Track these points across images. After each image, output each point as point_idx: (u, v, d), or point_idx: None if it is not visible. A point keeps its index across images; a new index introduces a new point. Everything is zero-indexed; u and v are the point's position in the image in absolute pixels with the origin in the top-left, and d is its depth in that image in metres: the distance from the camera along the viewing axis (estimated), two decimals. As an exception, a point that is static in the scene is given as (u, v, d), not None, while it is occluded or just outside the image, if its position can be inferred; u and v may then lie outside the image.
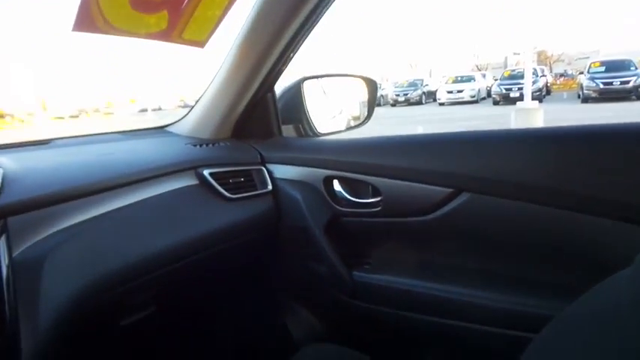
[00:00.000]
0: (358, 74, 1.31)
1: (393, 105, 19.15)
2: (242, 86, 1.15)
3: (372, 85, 1.31)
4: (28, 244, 0.77)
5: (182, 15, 0.98)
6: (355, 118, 1.33)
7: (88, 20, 0.90)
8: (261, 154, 1.18)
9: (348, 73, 1.31)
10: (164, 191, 1.00)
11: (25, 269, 0.74)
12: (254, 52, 1.07)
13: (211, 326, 1.37)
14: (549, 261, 0.84)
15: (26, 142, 1.14)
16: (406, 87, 20.22)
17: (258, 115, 1.23)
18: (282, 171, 1.16)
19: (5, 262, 0.72)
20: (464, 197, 0.88)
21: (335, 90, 1.34)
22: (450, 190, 0.90)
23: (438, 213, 0.92)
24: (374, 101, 1.31)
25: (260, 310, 1.36)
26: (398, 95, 19.53)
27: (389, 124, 11.05)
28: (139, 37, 1.00)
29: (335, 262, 1.04)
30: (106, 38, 1.09)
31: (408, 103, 19.21)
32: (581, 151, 0.79)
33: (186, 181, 1.05)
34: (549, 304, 0.79)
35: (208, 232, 1.03)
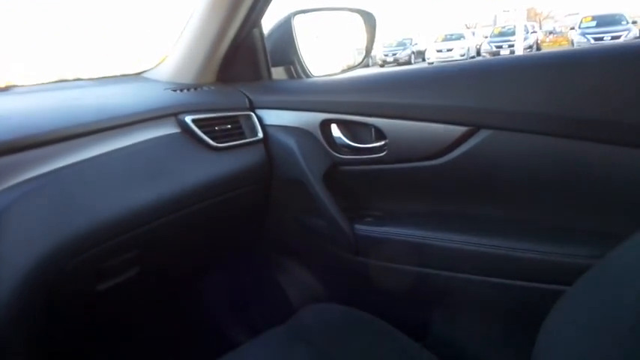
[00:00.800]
0: (355, 8, 1.17)
1: (382, 66, 18.73)
2: (224, 21, 1.01)
3: (370, 20, 1.17)
4: None
5: None
6: (353, 56, 1.20)
7: None
8: (249, 99, 1.06)
9: (344, 6, 1.17)
10: (142, 139, 0.88)
11: None
12: None
13: (200, 287, 1.28)
14: (583, 205, 0.75)
15: None
16: (395, 47, 19.72)
17: (244, 55, 1.10)
18: (274, 116, 1.03)
19: None
20: (482, 135, 0.78)
21: (329, 27, 1.20)
22: (466, 128, 0.79)
23: (452, 155, 0.82)
24: (373, 38, 1.18)
25: (252, 269, 1.27)
26: (387, 55, 19.06)
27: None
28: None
29: (335, 216, 0.94)
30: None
31: (397, 63, 18.79)
32: (616, 73, 0.68)
33: (166, 129, 0.93)
34: (583, 252, 0.70)
35: (194, 184, 0.91)
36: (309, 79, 1.13)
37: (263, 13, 1.05)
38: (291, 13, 1.11)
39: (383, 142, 0.90)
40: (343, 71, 1.21)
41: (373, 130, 0.91)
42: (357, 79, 0.96)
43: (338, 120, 0.95)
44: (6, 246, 0.65)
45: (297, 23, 1.12)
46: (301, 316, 0.86)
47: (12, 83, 1.09)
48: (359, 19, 1.17)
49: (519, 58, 0.79)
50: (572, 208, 0.76)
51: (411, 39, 20.60)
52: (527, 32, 15.11)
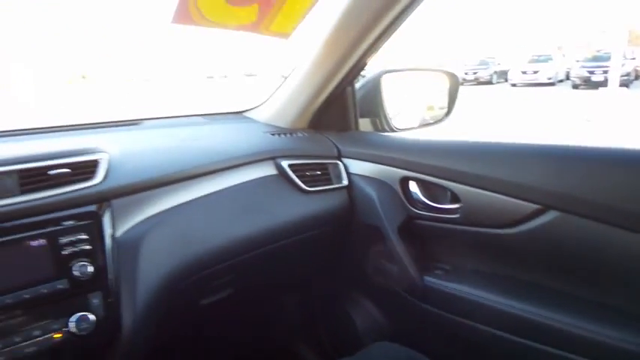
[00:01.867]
0: (439, 68, 1.26)
1: (460, 84, 18.31)
2: (324, 79, 1.15)
3: (453, 80, 1.26)
4: (128, 226, 0.84)
5: (271, 8, 0.99)
6: (434, 114, 1.30)
7: (185, 14, 0.93)
8: (337, 148, 1.19)
9: (429, 67, 1.27)
10: (245, 180, 1.04)
11: (125, 249, 0.81)
12: (340, 47, 1.07)
13: (280, 309, 1.43)
14: None
15: (120, 122, 1.22)
16: (476, 65, 19.18)
17: (336, 107, 1.23)
18: (358, 166, 1.16)
19: (110, 242, 0.79)
20: (551, 215, 0.84)
21: (414, 84, 1.31)
22: (536, 206, 0.86)
23: (521, 228, 0.88)
24: (455, 97, 1.26)
25: (327, 300, 1.39)
26: (467, 74, 18.59)
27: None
28: (228, 28, 1.03)
29: (406, 264, 1.04)
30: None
31: (477, 82, 18.28)
32: None
33: (266, 170, 1.08)
34: (637, 339, 0.74)
35: (285, 222, 1.06)
36: (394, 135, 1.24)
37: (358, 75, 1.18)
38: (381, 72, 1.23)
39: (457, 205, 0.98)
40: (427, 124, 1.31)
41: (449, 192, 1.00)
42: (438, 143, 1.05)
43: (417, 178, 1.05)
44: (141, 268, 0.82)
45: (385, 80, 1.23)
46: (370, 352, 0.97)
47: (142, 117, 1.31)
48: (443, 78, 1.26)
49: (593, 150, 0.84)
50: (630, 294, 0.80)
51: (494, 57, 19.92)
52: (626, 58, 14.03)
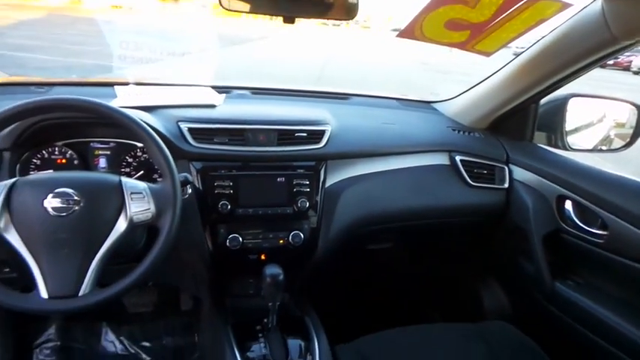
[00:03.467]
0: (629, 100, 1.30)
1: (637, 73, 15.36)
2: (516, 92, 1.31)
3: (641, 113, 1.29)
4: (334, 180, 1.20)
5: (482, 34, 1.20)
6: (613, 142, 1.35)
7: (410, 32, 1.20)
8: (507, 154, 1.37)
9: (619, 98, 1.32)
10: (422, 164, 1.32)
11: (329, 196, 1.18)
12: (541, 70, 1.20)
13: (417, 275, 1.73)
14: None
15: (334, 94, 1.59)
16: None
17: (517, 118, 1.39)
18: (522, 175, 1.33)
19: (321, 189, 1.16)
20: None
21: (598, 109, 1.37)
22: None
23: None
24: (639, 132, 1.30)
25: (462, 277, 1.64)
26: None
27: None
28: (440, 44, 1.27)
29: (542, 267, 1.22)
30: None
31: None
32: None
33: (440, 159, 1.34)
34: None
35: (446, 206, 1.32)
36: (561, 155, 1.34)
37: (546, 95, 1.31)
38: (569, 95, 1.33)
39: (605, 233, 1.11)
40: (601, 149, 1.37)
41: (600, 220, 1.12)
42: (600, 172, 1.16)
43: (573, 198, 1.19)
44: (338, 212, 1.19)
45: (572, 103, 1.33)
46: (489, 326, 1.21)
47: (350, 92, 1.65)
48: (631, 111, 1.30)
49: None
50: None
51: None
52: None
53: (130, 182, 0.87)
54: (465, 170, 1.33)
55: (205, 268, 1.16)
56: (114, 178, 0.87)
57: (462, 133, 1.43)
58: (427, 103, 1.67)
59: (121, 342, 1.53)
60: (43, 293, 0.76)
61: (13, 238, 0.77)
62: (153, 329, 1.59)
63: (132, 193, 0.85)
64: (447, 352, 1.11)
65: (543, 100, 1.38)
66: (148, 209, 0.85)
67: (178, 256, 1.13)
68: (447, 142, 1.38)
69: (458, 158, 1.34)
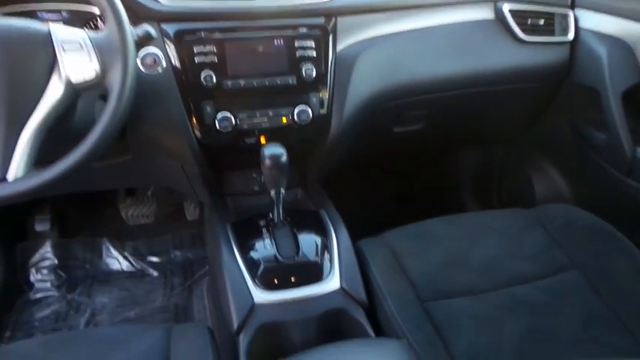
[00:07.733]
0: None
1: None
2: None
3: None
4: (348, 43, 0.94)
5: None
6: None
7: None
8: None
9: None
10: (460, 20, 1.03)
11: (342, 63, 0.93)
12: None
13: (457, 160, 1.49)
14: None
15: None
16: None
17: None
18: (593, 20, 1.03)
19: (332, 54, 0.91)
20: None
21: None
22: None
23: None
24: None
25: (507, 160, 1.40)
26: None
27: None
28: None
29: (620, 133, 0.96)
30: None
31: None
32: None
33: (483, 13, 1.05)
34: None
35: (493, 70, 1.05)
36: None
37: None
38: None
39: None
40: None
41: None
42: None
43: None
44: (353, 82, 0.94)
45: None
46: (547, 209, 0.98)
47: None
48: None
49: None
50: None
51: None
52: None
53: (62, 30, 0.64)
54: (517, 22, 1.04)
55: (195, 160, 0.95)
56: (42, 26, 0.64)
57: None
58: None
59: (126, 258, 1.40)
60: None
61: None
62: (159, 243, 1.44)
63: (64, 43, 0.63)
64: (499, 238, 0.91)
65: None
66: (89, 64, 0.63)
67: (162, 148, 0.92)
68: None
69: (506, 8, 1.03)
